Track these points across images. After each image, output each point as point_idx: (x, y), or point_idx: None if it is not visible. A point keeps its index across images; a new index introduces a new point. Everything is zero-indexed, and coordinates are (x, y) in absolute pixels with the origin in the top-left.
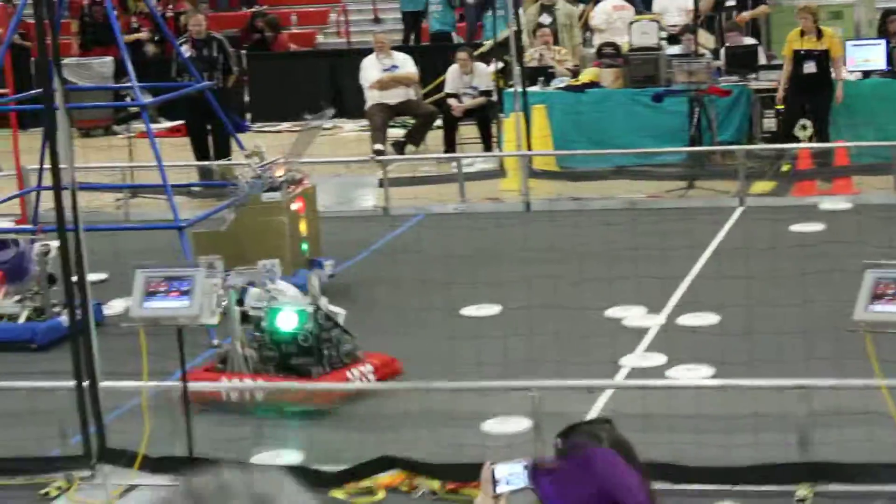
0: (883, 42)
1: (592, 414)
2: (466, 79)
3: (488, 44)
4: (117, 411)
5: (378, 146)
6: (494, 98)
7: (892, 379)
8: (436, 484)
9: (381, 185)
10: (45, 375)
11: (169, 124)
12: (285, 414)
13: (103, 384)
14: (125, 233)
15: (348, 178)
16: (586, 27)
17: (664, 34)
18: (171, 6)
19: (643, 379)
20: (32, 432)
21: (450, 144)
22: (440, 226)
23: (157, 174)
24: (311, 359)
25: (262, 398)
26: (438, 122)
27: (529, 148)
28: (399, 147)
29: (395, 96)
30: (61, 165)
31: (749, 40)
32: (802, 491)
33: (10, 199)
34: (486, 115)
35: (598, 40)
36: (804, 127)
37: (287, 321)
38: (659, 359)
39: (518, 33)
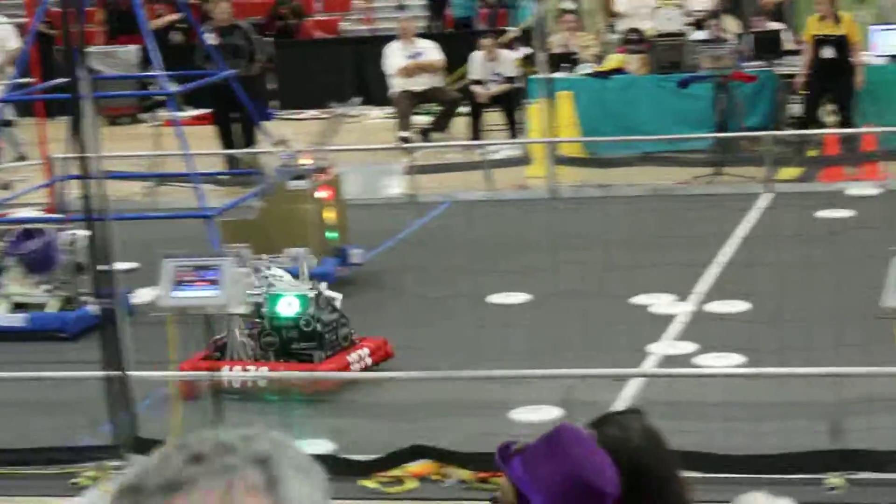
0: None
1: (620, 402)
2: (491, 65)
3: (513, 30)
4: (147, 400)
5: (403, 133)
6: (520, 85)
7: None
8: (466, 473)
9: (406, 172)
10: (74, 365)
11: (194, 112)
12: (291, 401)
13: (133, 373)
14: (153, 222)
15: (374, 166)
16: (611, 13)
17: (689, 19)
18: None
19: (672, 367)
20: (63, 422)
21: (475, 131)
22: (466, 213)
23: (184, 163)
24: (313, 343)
25: (266, 385)
26: (464, 109)
27: (555, 135)
28: (424, 134)
29: (420, 83)
30: (88, 154)
31: (775, 25)
32: (833, 479)
33: (37, 188)
34: (511, 102)
35: (622, 26)
36: (833, 112)
37: (288, 307)
38: (687, 346)
39: (543, 20)
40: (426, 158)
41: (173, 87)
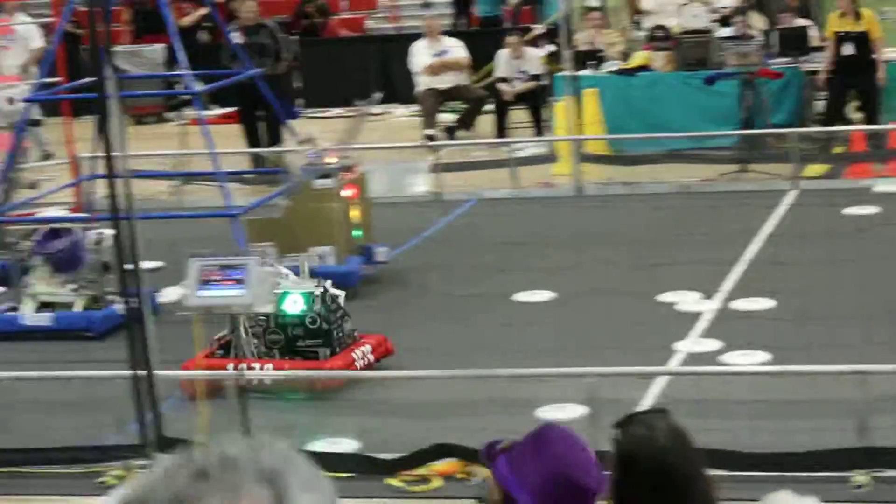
0: None
1: (647, 400)
2: (517, 63)
3: (538, 28)
4: (173, 399)
5: (429, 131)
6: (545, 82)
7: None
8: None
9: (432, 170)
10: (101, 364)
11: (220, 111)
12: (313, 399)
13: (159, 372)
14: (179, 220)
15: (400, 164)
16: (636, 10)
17: (715, 16)
18: None
19: (698, 365)
20: (89, 421)
21: (501, 129)
22: (492, 211)
23: (210, 161)
24: (318, 341)
25: (271, 384)
26: (489, 107)
27: (580, 132)
28: (450, 132)
29: (445, 81)
30: (114, 153)
31: (801, 21)
32: (860, 477)
33: (64, 187)
34: (536, 100)
35: (648, 23)
36: (858, 109)
37: (294, 304)
38: (713, 344)
39: (568, 17)
40: (452, 156)
41: (199, 87)
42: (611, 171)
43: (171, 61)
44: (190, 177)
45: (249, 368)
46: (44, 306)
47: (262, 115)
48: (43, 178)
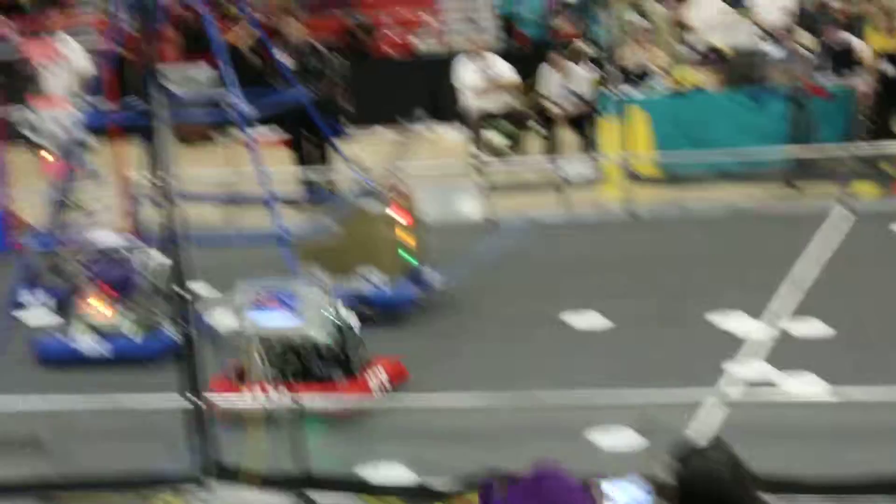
0: None
1: (698, 425)
2: (564, 83)
3: (585, 47)
4: (226, 427)
5: (476, 152)
6: (592, 102)
7: None
8: None
9: (480, 191)
10: (153, 390)
11: (268, 132)
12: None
13: (212, 399)
14: (229, 244)
15: (448, 186)
16: (683, 28)
17: (762, 33)
18: (269, 14)
19: (751, 389)
20: (142, 448)
21: (549, 150)
22: (541, 233)
23: (259, 184)
24: (335, 365)
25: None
26: (537, 128)
27: (629, 152)
28: (498, 153)
29: (492, 101)
30: (164, 176)
31: (850, 39)
32: None
33: (113, 211)
34: (584, 120)
35: (694, 41)
36: None
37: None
38: (767, 368)
39: (614, 36)
40: (500, 178)
41: (248, 108)
42: (660, 191)
43: (220, 82)
44: (240, 200)
45: (264, 393)
46: (97, 333)
47: (310, 136)
48: (94, 201)
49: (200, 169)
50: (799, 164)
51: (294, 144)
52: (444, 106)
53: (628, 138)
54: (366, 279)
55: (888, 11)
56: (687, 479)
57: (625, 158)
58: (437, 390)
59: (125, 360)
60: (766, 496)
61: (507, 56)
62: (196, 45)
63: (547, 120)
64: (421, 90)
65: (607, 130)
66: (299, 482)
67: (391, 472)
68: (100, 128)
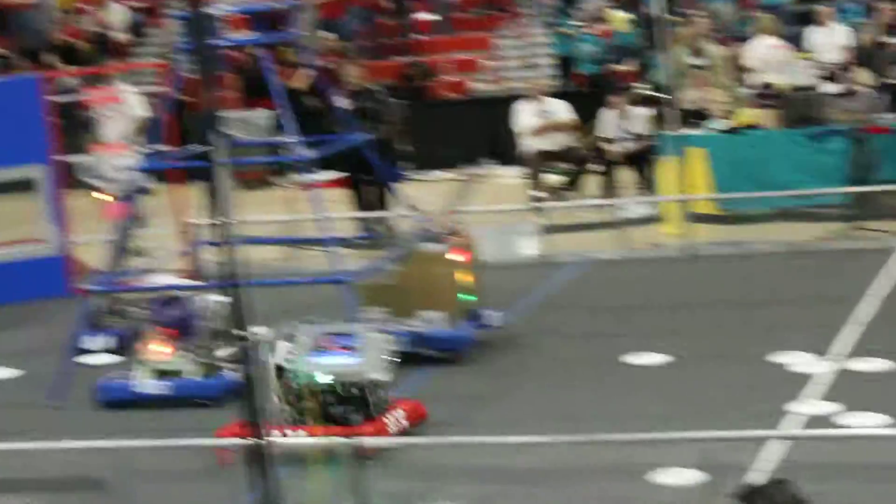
0: None
1: (761, 464)
2: (621, 123)
3: (643, 87)
4: (287, 467)
5: (535, 193)
6: (651, 142)
7: None
8: None
9: (540, 232)
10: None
11: (327, 176)
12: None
13: (274, 440)
14: (290, 286)
15: (507, 227)
16: (740, 68)
17: (821, 72)
18: (327, 58)
19: (814, 427)
20: (205, 489)
21: (607, 190)
22: (601, 273)
23: (319, 227)
24: (350, 407)
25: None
26: (595, 168)
27: (687, 191)
28: (556, 193)
29: (550, 142)
30: (224, 220)
31: None
32: None
33: (173, 254)
34: (642, 160)
35: (752, 80)
36: None
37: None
38: (830, 406)
39: (672, 76)
40: (559, 218)
41: (307, 152)
42: (719, 230)
43: (278, 126)
44: (299, 242)
45: (283, 435)
46: (158, 374)
47: (369, 179)
48: (154, 245)
49: (260, 213)
50: (859, 201)
51: (352, 187)
52: (501, 147)
53: (687, 177)
54: (425, 320)
55: None
56: None
57: (683, 197)
58: (498, 429)
59: (186, 401)
60: None
61: (563, 96)
62: (255, 90)
63: (605, 160)
64: (478, 132)
65: (666, 170)
66: None
67: None
68: (159, 172)
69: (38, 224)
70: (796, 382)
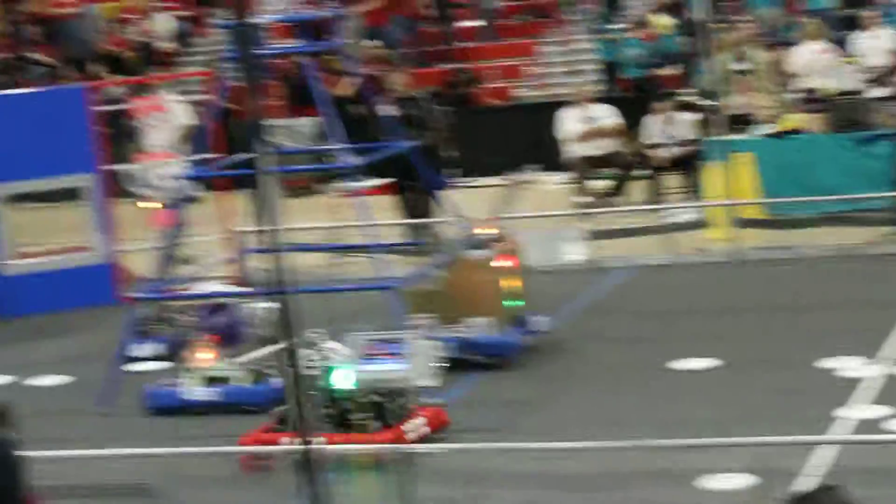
0: None
1: (811, 469)
2: (667, 128)
3: (688, 92)
4: (335, 473)
5: (581, 199)
6: (696, 147)
7: None
8: None
9: (586, 238)
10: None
11: (373, 183)
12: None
13: (322, 446)
14: (337, 293)
15: (553, 233)
16: (786, 73)
17: (867, 76)
18: (372, 66)
19: (863, 432)
20: (253, 496)
21: (653, 195)
22: (647, 278)
23: (365, 234)
24: (370, 414)
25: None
26: (641, 173)
27: (733, 196)
28: (602, 199)
29: (596, 148)
30: (271, 227)
31: None
32: None
33: (220, 262)
34: (688, 165)
35: (798, 85)
36: None
37: (344, 379)
38: (880, 410)
39: (717, 81)
40: (605, 223)
41: (353, 160)
42: (766, 235)
43: (324, 134)
44: (346, 249)
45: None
46: (206, 381)
47: (414, 186)
48: (201, 253)
49: (306, 220)
50: None
51: (398, 194)
52: (547, 153)
53: (733, 182)
54: (472, 326)
55: None
56: None
57: (730, 202)
58: (544, 435)
59: (234, 407)
60: None
61: (608, 101)
62: (300, 98)
63: (650, 165)
64: (523, 138)
65: (712, 175)
66: None
67: None
68: (206, 180)
69: (85, 232)
70: (845, 387)
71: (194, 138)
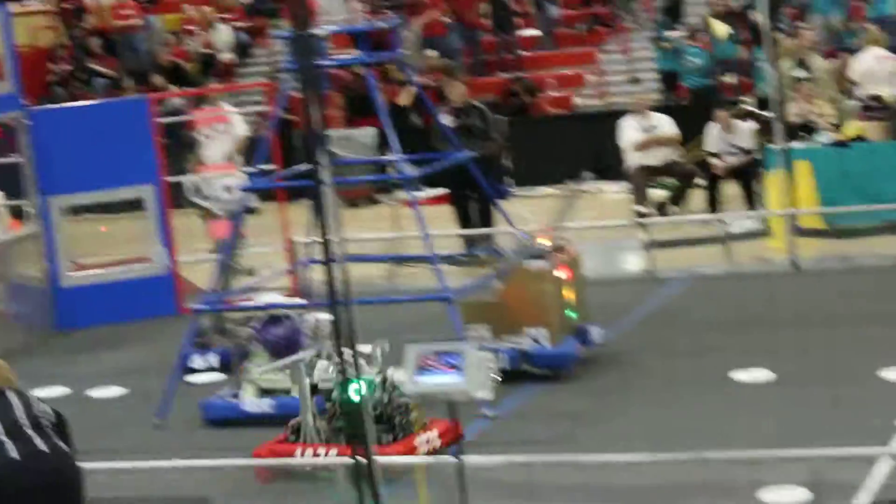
0: None
1: (872, 483)
2: (727, 137)
3: (748, 101)
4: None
5: (640, 208)
6: (757, 156)
7: None
8: None
9: (645, 248)
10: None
11: (431, 193)
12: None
13: (378, 458)
14: (394, 304)
15: (612, 242)
16: (846, 80)
17: None
18: (431, 75)
19: None
20: None
21: (713, 204)
22: (707, 288)
23: (423, 244)
24: (382, 427)
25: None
26: (701, 182)
27: (794, 206)
28: (661, 208)
29: (655, 157)
30: (330, 238)
31: None
32: None
33: (279, 273)
34: (748, 174)
35: (859, 93)
36: None
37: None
38: None
39: (778, 89)
40: (663, 233)
41: (411, 170)
42: (826, 244)
43: (383, 144)
44: (404, 260)
45: (315, 454)
46: (264, 392)
47: (473, 196)
48: (260, 264)
49: (365, 230)
50: None
51: (457, 204)
52: (606, 162)
53: (793, 191)
54: (529, 337)
55: None
56: None
57: (790, 212)
58: (602, 447)
59: (290, 418)
60: None
61: (668, 111)
62: (359, 108)
63: (710, 174)
64: (583, 147)
65: (772, 184)
66: None
67: None
68: (265, 191)
69: (146, 243)
70: None
71: (254, 149)
